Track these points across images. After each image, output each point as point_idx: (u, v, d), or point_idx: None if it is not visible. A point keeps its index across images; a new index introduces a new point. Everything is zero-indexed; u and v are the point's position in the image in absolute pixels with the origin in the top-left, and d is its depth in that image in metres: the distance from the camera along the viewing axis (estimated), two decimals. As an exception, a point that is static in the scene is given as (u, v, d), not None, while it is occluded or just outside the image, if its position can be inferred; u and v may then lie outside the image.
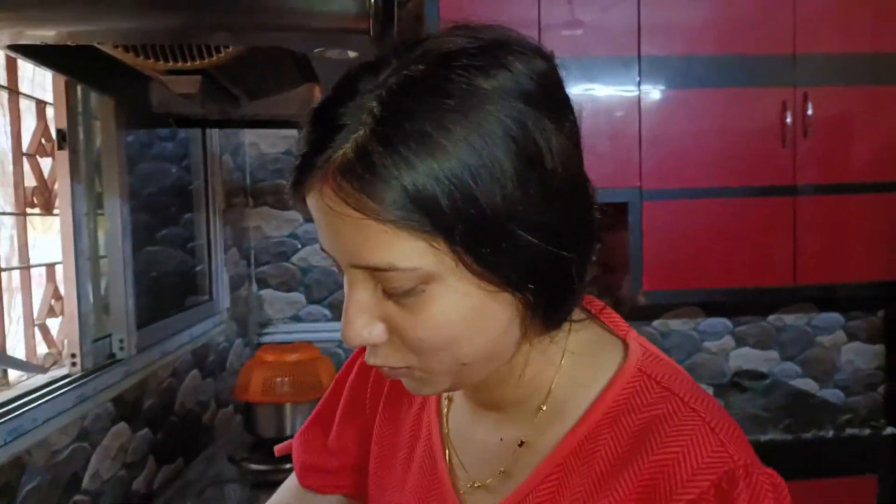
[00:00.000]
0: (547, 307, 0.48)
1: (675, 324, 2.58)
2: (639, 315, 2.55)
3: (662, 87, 2.19)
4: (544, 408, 0.53)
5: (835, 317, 2.63)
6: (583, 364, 0.53)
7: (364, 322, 0.46)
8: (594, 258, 0.50)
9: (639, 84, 2.18)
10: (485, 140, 0.42)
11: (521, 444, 0.53)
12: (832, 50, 2.21)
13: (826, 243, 2.24)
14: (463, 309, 0.45)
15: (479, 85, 0.43)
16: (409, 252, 0.43)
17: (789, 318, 2.61)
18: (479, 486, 0.55)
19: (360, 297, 0.46)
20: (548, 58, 0.47)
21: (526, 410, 0.54)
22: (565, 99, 0.47)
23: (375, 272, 0.44)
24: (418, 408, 0.63)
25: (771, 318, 2.61)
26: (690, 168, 2.20)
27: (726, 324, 2.60)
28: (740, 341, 2.60)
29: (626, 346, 0.54)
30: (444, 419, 0.61)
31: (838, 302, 2.61)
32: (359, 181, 0.42)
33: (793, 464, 2.04)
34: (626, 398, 0.50)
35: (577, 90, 2.16)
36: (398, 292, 0.44)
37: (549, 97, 0.45)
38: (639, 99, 2.18)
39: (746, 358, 2.61)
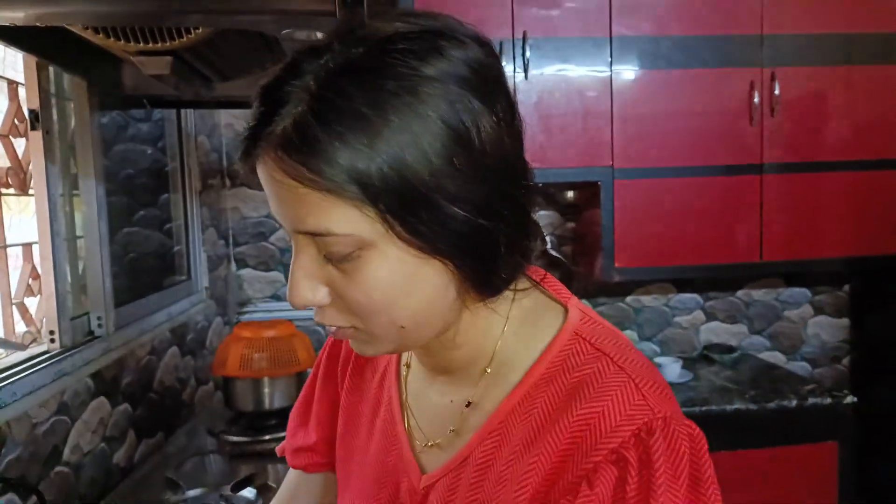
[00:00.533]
0: (477, 275, 0.51)
1: (647, 299, 2.65)
2: (612, 291, 2.61)
3: (634, 68, 2.23)
4: (489, 370, 0.57)
5: (802, 291, 2.70)
6: (525, 329, 0.57)
7: (309, 285, 0.50)
8: (532, 233, 0.54)
9: (610, 64, 2.21)
10: (415, 119, 0.45)
11: (468, 404, 0.58)
12: (799, 31, 2.26)
13: (792, 220, 2.30)
14: (396, 274, 0.48)
15: (413, 68, 0.46)
16: (344, 219, 0.46)
17: (757, 293, 2.69)
18: (432, 445, 0.60)
19: (304, 262, 0.50)
20: (485, 46, 0.51)
21: (472, 373, 0.58)
22: (499, 84, 0.51)
23: (316, 237, 0.48)
24: (380, 376, 0.68)
25: (740, 293, 2.68)
26: (661, 147, 2.24)
27: (697, 299, 2.66)
28: (710, 316, 2.67)
29: (566, 311, 0.58)
30: (403, 385, 0.65)
31: (805, 277, 2.69)
32: (297, 153, 0.45)
33: (758, 432, 2.12)
34: (563, 359, 0.54)
35: (550, 70, 2.19)
36: (337, 257, 0.48)
37: (482, 82, 0.49)
38: (611, 79, 2.22)
39: (716, 332, 2.68)
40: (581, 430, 0.50)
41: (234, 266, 2.39)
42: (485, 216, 0.48)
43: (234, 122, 2.35)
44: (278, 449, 0.80)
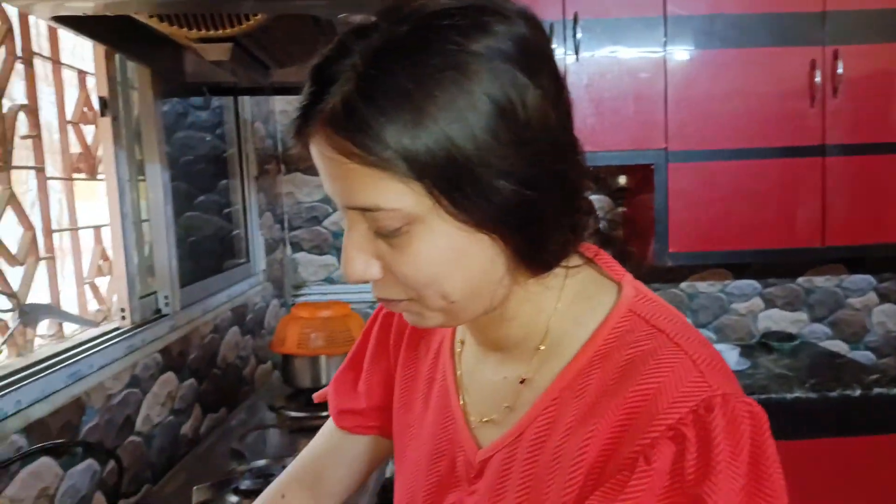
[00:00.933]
0: (525, 250, 0.51)
1: (702, 285, 2.59)
2: (666, 277, 2.57)
3: (688, 48, 2.18)
4: (542, 347, 0.57)
5: (866, 278, 2.60)
6: (578, 306, 0.57)
7: (361, 259, 0.51)
8: (583, 209, 0.54)
9: (664, 44, 2.17)
10: (460, 95, 0.46)
11: (522, 381, 0.58)
12: (863, 6, 2.16)
13: (855, 204, 2.22)
14: (443, 248, 0.49)
15: (457, 44, 0.47)
16: (391, 194, 0.47)
17: (819, 280, 2.60)
18: (487, 421, 0.60)
19: (355, 237, 0.51)
20: (531, 20, 0.51)
21: (526, 350, 0.58)
22: (545, 58, 0.51)
23: (365, 213, 0.49)
24: (435, 352, 0.69)
25: (800, 279, 2.60)
26: (717, 129, 2.19)
27: (755, 285, 2.60)
28: (769, 303, 2.60)
29: (620, 289, 0.58)
30: (458, 361, 0.66)
31: (869, 263, 2.59)
32: (345, 130, 0.47)
33: (819, 422, 2.06)
34: (617, 336, 0.54)
35: (601, 52, 2.16)
36: (386, 232, 0.49)
37: (527, 56, 0.48)
38: (664, 60, 2.17)
39: (775, 319, 2.61)
40: (637, 406, 0.50)
41: (289, 249, 2.45)
42: (530, 190, 0.49)
43: (288, 108, 2.40)
44: (317, 395, 0.82)
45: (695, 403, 0.48)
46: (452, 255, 0.50)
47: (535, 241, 0.51)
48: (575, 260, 0.57)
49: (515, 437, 0.56)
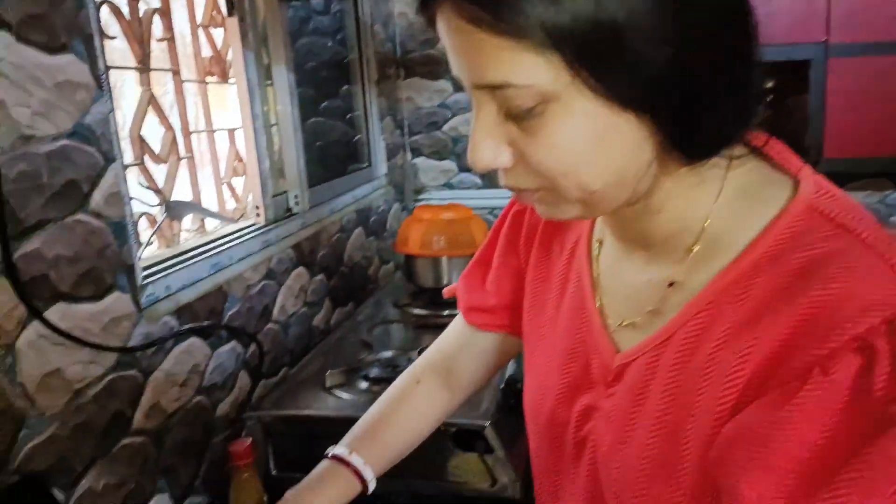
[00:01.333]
0: (678, 132, 0.45)
1: (860, 196, 2.33)
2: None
3: (862, -83, 1.87)
4: (696, 248, 0.51)
5: None
6: (742, 202, 0.50)
7: (490, 145, 0.47)
8: (752, 89, 0.46)
9: (832, -85, 1.87)
10: None
11: (671, 284, 0.52)
12: None
13: None
14: (583, 130, 0.44)
15: None
16: (525, 68, 0.42)
17: None
18: (627, 324, 0.56)
19: (484, 121, 0.46)
20: None
21: (676, 250, 0.52)
22: None
23: (495, 92, 0.44)
24: (569, 253, 0.64)
25: (978, 190, 2.28)
26: (889, 18, 1.89)
27: (921, 197, 2.31)
28: (936, 217, 2.31)
29: (796, 184, 0.49)
30: (595, 262, 0.61)
31: None
32: None
33: None
34: (791, 236, 0.47)
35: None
36: (518, 112, 0.44)
37: None
38: (830, -66, 1.88)
39: (942, 235, 2.32)
40: (814, 313, 0.43)
41: (409, 155, 2.46)
42: (688, 61, 0.42)
43: (407, 10, 2.34)
44: (446, 290, 0.82)
45: (891, 313, 0.41)
46: (593, 139, 0.44)
47: (691, 123, 0.44)
48: (740, 150, 0.49)
49: (661, 341, 0.52)
